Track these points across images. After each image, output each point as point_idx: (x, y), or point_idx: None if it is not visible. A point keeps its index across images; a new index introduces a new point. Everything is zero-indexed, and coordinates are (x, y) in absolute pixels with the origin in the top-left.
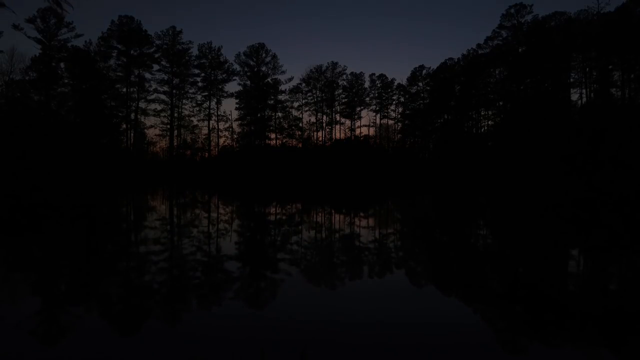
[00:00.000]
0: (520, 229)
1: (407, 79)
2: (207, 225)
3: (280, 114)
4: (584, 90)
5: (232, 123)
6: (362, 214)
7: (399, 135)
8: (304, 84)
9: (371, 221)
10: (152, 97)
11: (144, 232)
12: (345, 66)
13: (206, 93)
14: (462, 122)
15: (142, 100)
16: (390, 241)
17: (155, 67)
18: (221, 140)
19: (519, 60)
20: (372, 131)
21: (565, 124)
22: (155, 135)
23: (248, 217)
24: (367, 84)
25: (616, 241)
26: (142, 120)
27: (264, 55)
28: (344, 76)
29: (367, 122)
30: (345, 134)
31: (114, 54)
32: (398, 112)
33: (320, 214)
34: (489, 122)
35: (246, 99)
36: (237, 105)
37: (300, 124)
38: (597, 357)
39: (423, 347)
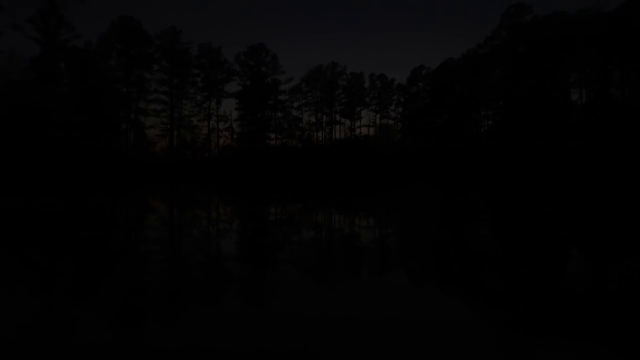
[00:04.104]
0: (520, 228)
1: (407, 79)
2: (207, 225)
3: (280, 114)
4: (583, 90)
5: (232, 123)
6: (362, 214)
7: (399, 135)
8: (304, 84)
9: (371, 221)
10: (152, 97)
11: (144, 232)
12: (345, 66)
13: (206, 93)
14: (462, 122)
15: (142, 100)
16: (390, 241)
17: (155, 67)
18: (221, 140)
19: (519, 60)
20: (372, 131)
21: (565, 123)
22: (155, 135)
23: (248, 217)
24: (367, 84)
25: (617, 241)
26: (142, 120)
27: (264, 55)
28: (344, 76)
29: (367, 122)
30: (345, 134)
31: (114, 54)
32: (398, 112)
33: (320, 214)
34: (489, 122)
35: (246, 99)
36: (237, 105)
37: (300, 124)
38: (599, 356)
39: (431, 350)
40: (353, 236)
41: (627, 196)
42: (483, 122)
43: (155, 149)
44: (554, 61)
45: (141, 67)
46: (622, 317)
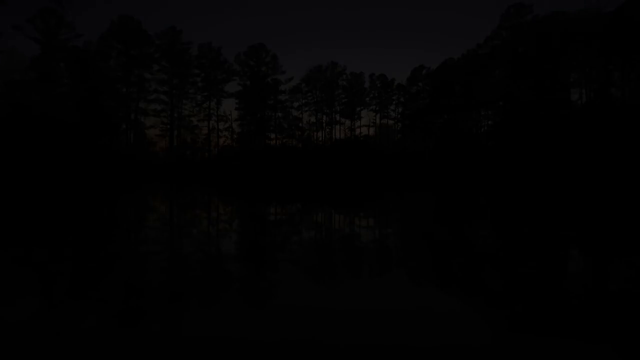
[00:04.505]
0: (520, 228)
1: (407, 79)
2: (207, 225)
3: (280, 114)
4: (583, 90)
5: (232, 123)
6: (362, 214)
7: (399, 135)
8: (304, 84)
9: (371, 221)
10: (152, 97)
11: (144, 232)
12: (345, 66)
13: (206, 93)
14: (462, 122)
15: (142, 100)
16: (390, 241)
17: (155, 67)
18: (221, 140)
19: (519, 60)
20: (372, 131)
21: (565, 123)
22: (155, 135)
23: (248, 217)
24: (367, 84)
25: (616, 241)
26: (142, 120)
27: (263, 55)
28: (344, 76)
29: (367, 122)
30: (345, 134)
31: (114, 54)
32: (398, 112)
33: (320, 214)
34: (489, 122)
35: (246, 99)
36: (237, 105)
37: (300, 124)
38: (600, 355)
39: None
40: (353, 236)
41: (628, 196)
42: (483, 122)
43: (155, 149)
44: (554, 61)
45: (141, 67)
46: (622, 317)
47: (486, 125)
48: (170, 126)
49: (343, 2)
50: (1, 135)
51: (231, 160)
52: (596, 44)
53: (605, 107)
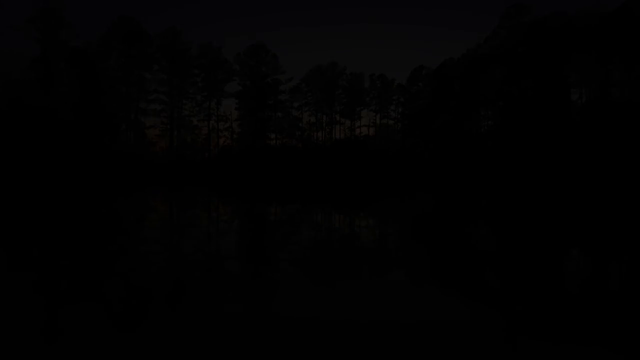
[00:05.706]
0: (520, 229)
1: (407, 79)
2: (207, 225)
3: (280, 114)
4: (583, 90)
5: (232, 123)
6: (362, 214)
7: (399, 135)
8: (304, 84)
9: (371, 221)
10: (152, 97)
11: (144, 232)
12: (345, 66)
13: (206, 93)
14: (462, 122)
15: (142, 100)
16: (390, 241)
17: (155, 67)
18: (221, 140)
19: (519, 60)
20: (372, 131)
21: (565, 123)
22: (155, 135)
23: (248, 217)
24: (367, 84)
25: (615, 241)
26: (142, 120)
27: (263, 55)
28: (344, 76)
29: (367, 122)
30: (345, 134)
31: (114, 54)
32: (398, 112)
33: (320, 214)
34: (489, 122)
35: (246, 99)
36: (237, 105)
37: (300, 124)
38: (599, 356)
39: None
40: (354, 236)
41: (628, 196)
42: (483, 122)
43: (155, 149)
44: (554, 61)
45: (141, 67)
46: (622, 318)
47: (486, 125)
48: (170, 126)
49: (343, 2)
50: (1, 135)
51: (231, 160)
52: (596, 43)
53: (605, 107)
